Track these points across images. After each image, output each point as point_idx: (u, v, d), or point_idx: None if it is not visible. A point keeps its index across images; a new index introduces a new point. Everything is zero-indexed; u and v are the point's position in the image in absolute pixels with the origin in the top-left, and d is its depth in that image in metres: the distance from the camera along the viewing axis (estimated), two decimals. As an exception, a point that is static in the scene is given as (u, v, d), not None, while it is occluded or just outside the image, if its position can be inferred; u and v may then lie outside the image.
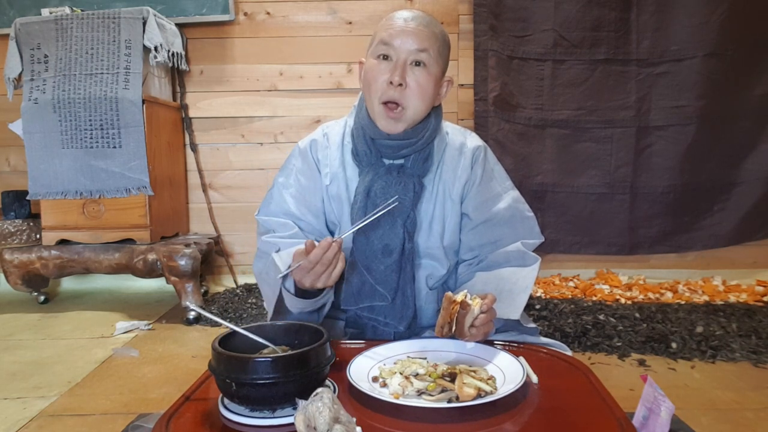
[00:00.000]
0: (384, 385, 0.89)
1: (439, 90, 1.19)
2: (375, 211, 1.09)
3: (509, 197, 1.25)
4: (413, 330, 1.22)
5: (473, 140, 1.28)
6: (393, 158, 1.20)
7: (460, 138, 1.27)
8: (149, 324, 2.23)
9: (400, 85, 1.11)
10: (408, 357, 0.99)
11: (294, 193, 1.25)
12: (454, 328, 0.99)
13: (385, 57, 1.13)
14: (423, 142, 1.18)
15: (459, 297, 0.98)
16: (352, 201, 1.21)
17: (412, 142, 1.17)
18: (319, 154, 1.26)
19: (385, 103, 1.14)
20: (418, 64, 1.13)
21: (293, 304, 1.09)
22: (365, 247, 1.18)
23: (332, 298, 1.15)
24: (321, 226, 1.26)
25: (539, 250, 1.24)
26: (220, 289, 2.79)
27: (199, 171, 2.86)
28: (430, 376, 0.88)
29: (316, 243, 1.00)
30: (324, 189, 1.25)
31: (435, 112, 1.22)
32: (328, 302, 1.14)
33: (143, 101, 2.31)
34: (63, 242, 2.39)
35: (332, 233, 1.29)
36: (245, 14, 2.79)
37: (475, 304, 0.97)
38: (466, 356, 1.01)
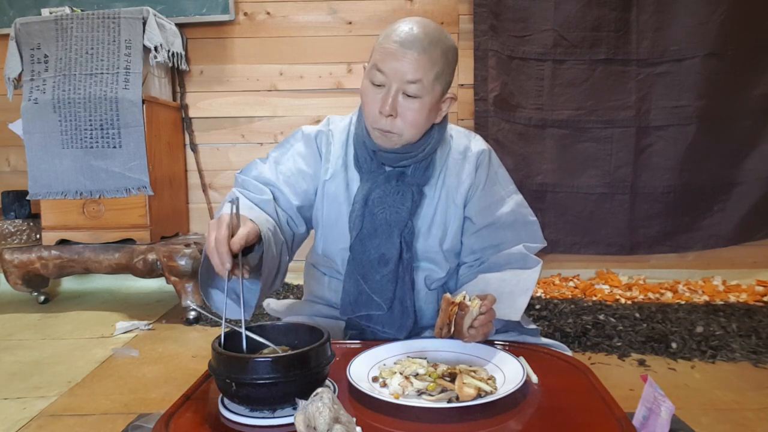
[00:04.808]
0: (384, 385, 0.89)
1: (438, 111, 1.14)
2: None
3: (512, 201, 1.24)
4: (413, 330, 1.22)
5: (477, 144, 1.26)
6: (394, 166, 1.19)
7: (464, 141, 1.25)
8: (149, 324, 2.23)
9: (391, 115, 1.08)
10: (408, 357, 0.99)
11: (284, 170, 1.21)
12: (452, 330, 0.99)
13: (378, 84, 1.09)
14: (424, 155, 1.17)
15: (457, 298, 0.98)
16: (351, 204, 1.20)
17: (413, 155, 1.16)
18: (323, 147, 1.24)
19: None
20: (409, 95, 1.08)
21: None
22: (361, 256, 1.17)
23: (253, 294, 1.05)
24: (293, 210, 1.20)
25: (540, 250, 1.23)
26: (220, 289, 2.79)
27: (199, 171, 2.86)
28: (430, 376, 0.88)
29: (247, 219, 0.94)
30: (321, 184, 1.23)
31: (438, 126, 1.18)
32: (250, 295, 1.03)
33: (143, 101, 2.31)
34: (63, 242, 2.39)
35: (307, 220, 1.24)
36: (245, 14, 2.79)
37: (474, 305, 0.97)
38: (466, 356, 1.01)
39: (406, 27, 1.06)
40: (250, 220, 0.98)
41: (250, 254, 1.01)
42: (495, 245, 1.22)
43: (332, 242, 1.24)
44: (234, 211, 0.92)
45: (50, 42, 2.33)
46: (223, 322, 0.87)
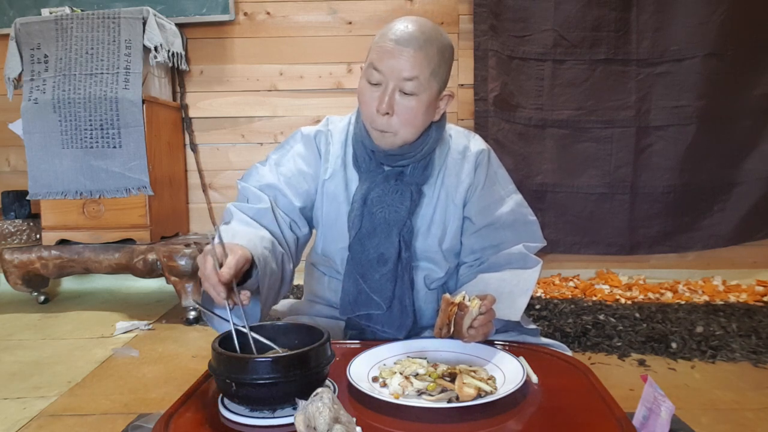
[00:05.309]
0: (384, 385, 0.89)
1: (435, 108, 1.15)
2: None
3: (512, 201, 1.24)
4: (413, 330, 1.22)
5: (477, 144, 1.26)
6: (392, 165, 1.19)
7: (463, 141, 1.25)
8: (149, 324, 2.23)
9: (387, 113, 1.08)
10: (408, 357, 0.99)
11: (285, 171, 1.22)
12: (452, 330, 0.99)
13: (375, 83, 1.09)
14: (422, 154, 1.17)
15: (457, 298, 0.98)
16: (350, 203, 1.20)
17: (411, 154, 1.16)
18: (323, 147, 1.25)
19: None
20: (406, 92, 1.08)
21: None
22: (360, 256, 1.17)
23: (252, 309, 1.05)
24: (296, 212, 1.21)
25: (540, 250, 1.23)
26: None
27: (199, 171, 2.86)
28: (430, 376, 0.88)
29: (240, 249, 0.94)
30: (321, 183, 1.23)
31: (436, 124, 1.18)
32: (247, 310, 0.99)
33: (143, 101, 2.31)
34: (63, 242, 2.39)
35: (309, 221, 1.25)
36: (245, 14, 2.79)
37: (474, 305, 0.97)
38: (466, 356, 1.01)
39: (402, 25, 1.07)
40: (241, 246, 0.96)
41: (249, 280, 1.01)
42: (495, 245, 1.22)
43: (332, 242, 1.24)
44: (217, 241, 0.93)
45: (50, 42, 2.33)
46: (231, 322, 0.86)
